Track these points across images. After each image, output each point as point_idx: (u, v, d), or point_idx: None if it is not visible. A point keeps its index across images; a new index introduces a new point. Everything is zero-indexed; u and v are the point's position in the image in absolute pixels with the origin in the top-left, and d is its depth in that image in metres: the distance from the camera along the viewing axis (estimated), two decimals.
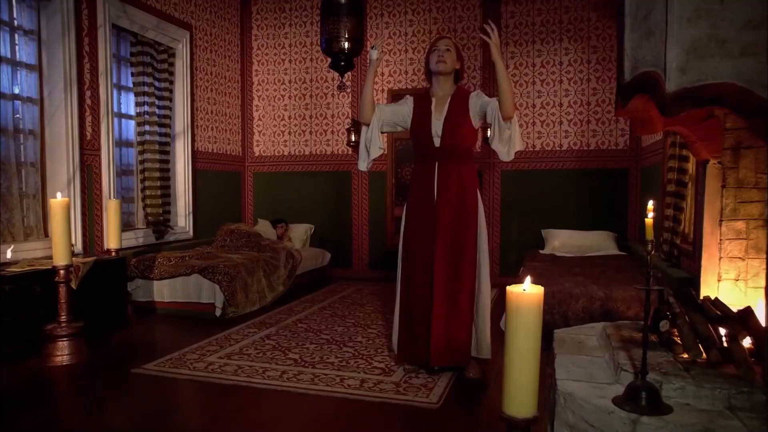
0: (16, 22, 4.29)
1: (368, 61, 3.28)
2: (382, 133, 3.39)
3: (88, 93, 4.69)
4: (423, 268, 3.21)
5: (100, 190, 4.81)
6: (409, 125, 3.34)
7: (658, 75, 1.95)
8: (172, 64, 5.74)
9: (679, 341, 2.14)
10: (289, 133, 6.99)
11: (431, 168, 3.22)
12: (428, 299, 3.17)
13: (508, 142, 3.13)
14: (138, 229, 5.43)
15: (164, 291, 4.84)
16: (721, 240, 2.47)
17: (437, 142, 3.22)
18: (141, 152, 5.43)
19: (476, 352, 3.25)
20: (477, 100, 3.21)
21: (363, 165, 3.40)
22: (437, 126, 3.21)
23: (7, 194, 4.15)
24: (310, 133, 6.92)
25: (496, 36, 2.98)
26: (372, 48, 3.25)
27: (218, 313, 4.64)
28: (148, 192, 5.43)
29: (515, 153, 3.19)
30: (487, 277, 3.26)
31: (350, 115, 6.73)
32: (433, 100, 3.29)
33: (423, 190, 3.25)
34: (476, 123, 3.25)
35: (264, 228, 6.34)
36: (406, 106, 3.36)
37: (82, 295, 3.85)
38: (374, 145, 3.34)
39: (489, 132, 3.24)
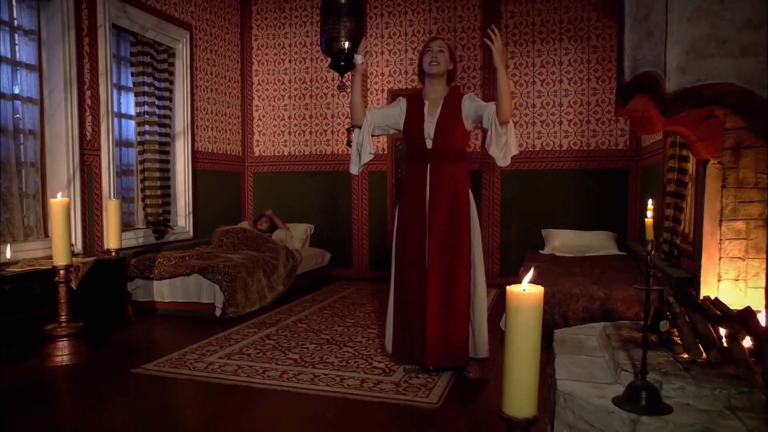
0: (16, 22, 4.29)
1: (354, 66, 3.29)
2: (373, 136, 3.42)
3: (88, 93, 4.69)
4: (416, 269, 3.22)
5: (100, 190, 4.81)
6: (402, 126, 3.35)
7: (658, 75, 1.95)
8: (172, 64, 5.74)
9: (679, 341, 2.14)
10: (289, 133, 6.99)
11: (423, 169, 3.24)
12: (422, 300, 3.18)
13: (504, 147, 3.12)
14: (138, 229, 5.43)
15: (164, 291, 4.84)
16: (721, 240, 2.47)
17: (429, 143, 3.23)
18: (141, 152, 5.43)
19: (473, 352, 3.25)
20: (470, 104, 3.21)
21: (354, 168, 3.44)
22: (429, 128, 3.23)
23: (7, 194, 4.15)
24: (310, 133, 6.92)
25: (499, 41, 2.98)
26: (356, 53, 3.27)
27: (218, 313, 4.64)
28: (148, 192, 5.43)
29: (511, 158, 3.18)
30: (483, 277, 3.26)
31: (350, 115, 6.72)
32: (426, 102, 3.29)
33: (415, 190, 3.26)
34: (468, 126, 3.24)
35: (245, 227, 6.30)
36: (399, 108, 3.38)
37: (82, 295, 3.85)
38: (365, 149, 3.37)
39: (486, 137, 3.23)
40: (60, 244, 3.50)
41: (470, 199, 3.26)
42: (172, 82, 5.76)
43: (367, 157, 3.37)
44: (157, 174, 5.48)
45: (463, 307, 3.17)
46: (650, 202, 2.14)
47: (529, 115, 6.22)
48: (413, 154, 3.34)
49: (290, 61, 6.94)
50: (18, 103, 4.29)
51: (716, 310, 2.19)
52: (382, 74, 6.59)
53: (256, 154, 7.10)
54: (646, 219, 2.08)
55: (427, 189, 3.21)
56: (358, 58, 3.27)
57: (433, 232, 3.18)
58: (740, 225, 2.44)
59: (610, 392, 1.90)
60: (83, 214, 4.63)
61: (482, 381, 3.18)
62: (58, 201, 3.52)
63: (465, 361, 3.22)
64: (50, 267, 3.56)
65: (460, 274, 3.17)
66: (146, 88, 5.39)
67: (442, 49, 3.23)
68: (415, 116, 3.29)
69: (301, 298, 5.49)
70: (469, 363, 3.24)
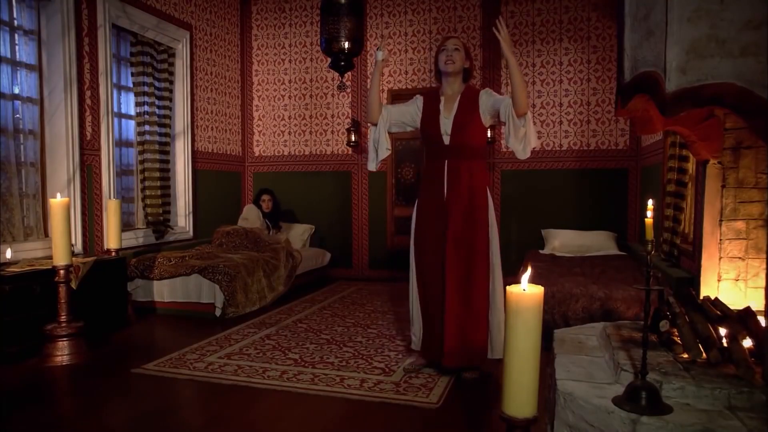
0: (16, 22, 4.29)
1: (374, 62, 3.28)
2: (389, 133, 3.41)
3: (88, 93, 4.69)
4: (435, 266, 3.21)
5: (100, 190, 4.81)
6: (419, 124, 3.35)
7: (658, 75, 1.95)
8: (172, 64, 5.74)
9: (679, 341, 2.14)
10: (289, 133, 6.99)
11: (441, 166, 3.23)
12: (441, 298, 3.17)
13: (524, 140, 3.11)
14: (138, 229, 5.43)
15: (164, 291, 4.84)
16: (721, 240, 2.47)
17: (447, 140, 3.22)
18: (141, 152, 5.43)
19: (491, 353, 3.23)
20: (487, 98, 3.21)
21: (372, 165, 3.44)
22: (446, 124, 3.22)
23: (7, 194, 4.15)
24: (310, 133, 6.92)
25: (506, 32, 2.99)
26: (378, 49, 3.26)
27: (218, 313, 4.64)
28: (148, 192, 5.43)
29: (531, 150, 3.16)
30: (500, 276, 3.24)
31: (350, 115, 6.73)
32: (442, 98, 3.30)
33: (433, 187, 3.25)
34: (486, 121, 3.24)
35: (250, 216, 6.27)
36: (415, 105, 3.38)
37: (82, 295, 3.85)
38: (382, 146, 3.36)
39: (504, 130, 3.22)
40: (60, 244, 3.50)
41: (488, 197, 3.25)
42: (172, 82, 5.76)
43: (384, 153, 3.37)
44: (157, 174, 5.48)
45: (481, 307, 3.16)
46: (650, 202, 2.14)
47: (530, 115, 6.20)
48: (430, 151, 3.34)
49: (290, 61, 6.94)
50: (18, 103, 4.29)
51: (716, 310, 2.19)
52: (382, 74, 6.57)
53: (256, 154, 7.10)
54: (646, 219, 2.09)
55: (445, 186, 3.20)
56: (379, 54, 3.24)
57: (451, 229, 3.17)
58: (740, 225, 2.44)
59: (610, 392, 1.89)
60: (83, 214, 4.63)
61: (479, 381, 3.18)
62: (58, 201, 3.52)
63: (482, 362, 3.21)
64: (50, 267, 3.56)
65: (478, 272, 3.15)
66: (146, 88, 5.39)
67: (457, 47, 3.23)
68: (431, 113, 3.29)
69: (301, 298, 5.49)
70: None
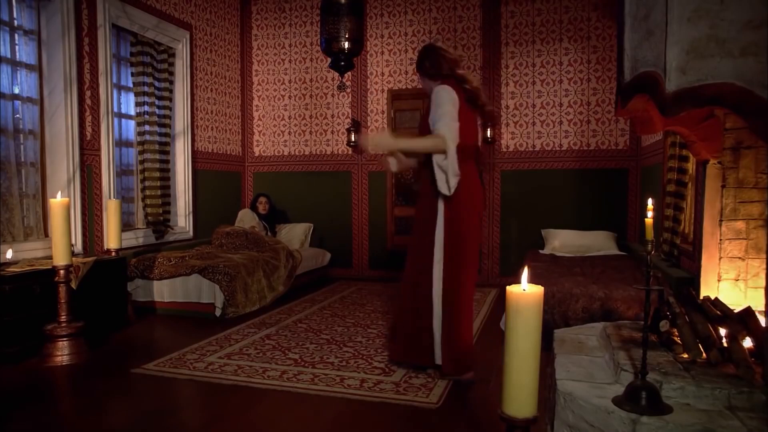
0: (16, 22, 4.29)
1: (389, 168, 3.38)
2: None
3: (88, 93, 4.69)
4: None
5: (100, 190, 4.81)
6: None
7: (658, 75, 1.95)
8: (172, 64, 5.74)
9: (679, 341, 2.14)
10: (289, 133, 6.99)
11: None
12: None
13: (443, 175, 3.01)
14: (138, 229, 5.43)
15: (164, 291, 4.84)
16: (721, 240, 2.47)
17: None
18: (141, 152, 5.43)
19: (437, 358, 3.14)
20: (431, 105, 3.16)
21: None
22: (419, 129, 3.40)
23: (7, 194, 4.15)
24: (310, 133, 6.92)
25: (376, 135, 3.23)
26: (385, 158, 3.32)
27: (218, 313, 4.64)
28: (148, 192, 5.43)
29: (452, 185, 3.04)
30: (439, 283, 3.09)
31: (350, 115, 6.73)
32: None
33: None
34: None
35: (245, 219, 6.29)
36: None
37: (82, 295, 3.85)
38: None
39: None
40: (60, 244, 3.50)
41: (438, 200, 3.10)
42: (172, 82, 5.76)
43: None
44: (157, 174, 5.48)
45: (423, 308, 3.13)
46: (650, 202, 2.14)
47: (529, 115, 6.22)
48: None
49: (290, 61, 6.94)
50: (18, 103, 4.28)
51: (716, 310, 2.19)
52: (382, 74, 6.59)
53: (256, 154, 7.10)
54: (646, 219, 2.09)
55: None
56: (392, 165, 3.30)
57: (412, 230, 3.32)
58: (740, 225, 2.44)
59: (610, 392, 1.89)
60: (83, 214, 4.63)
61: (473, 382, 3.13)
62: (58, 201, 3.52)
63: (426, 363, 3.20)
64: (50, 267, 3.56)
65: (423, 275, 3.14)
66: (146, 88, 5.39)
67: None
68: None
69: (301, 298, 5.49)
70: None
